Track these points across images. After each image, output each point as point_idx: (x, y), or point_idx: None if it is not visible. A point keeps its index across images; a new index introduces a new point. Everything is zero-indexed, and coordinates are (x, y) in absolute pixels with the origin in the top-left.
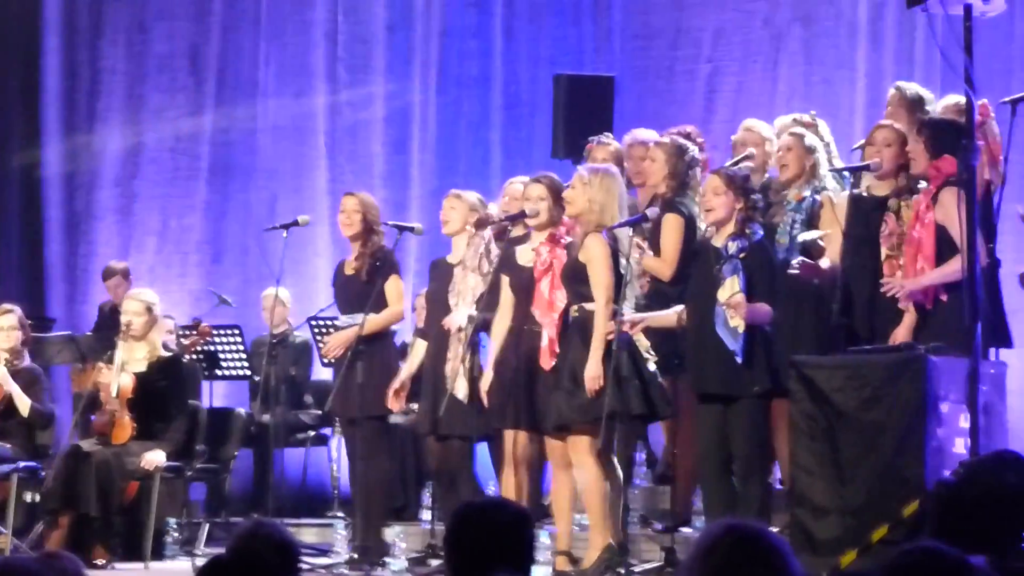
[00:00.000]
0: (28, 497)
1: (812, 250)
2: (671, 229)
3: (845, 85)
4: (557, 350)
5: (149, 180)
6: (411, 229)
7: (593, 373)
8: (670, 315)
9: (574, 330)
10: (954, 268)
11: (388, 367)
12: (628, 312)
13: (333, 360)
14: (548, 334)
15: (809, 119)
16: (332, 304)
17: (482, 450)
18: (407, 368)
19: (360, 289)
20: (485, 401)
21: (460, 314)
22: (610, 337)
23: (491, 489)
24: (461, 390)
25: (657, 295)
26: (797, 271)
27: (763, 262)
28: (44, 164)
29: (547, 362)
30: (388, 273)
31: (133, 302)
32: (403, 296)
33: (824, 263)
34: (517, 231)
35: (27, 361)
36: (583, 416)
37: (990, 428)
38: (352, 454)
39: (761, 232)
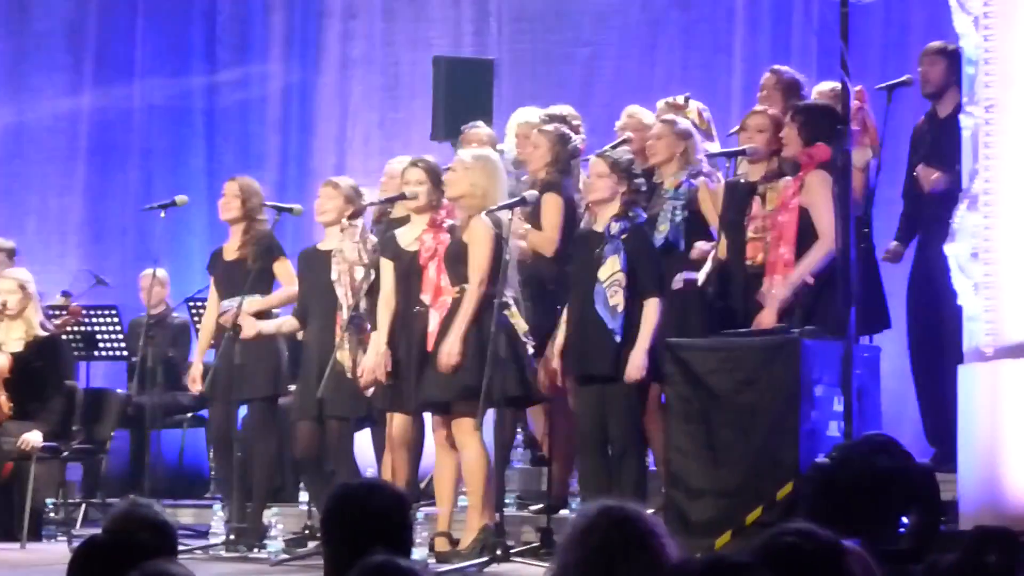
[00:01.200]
0: None
1: None
2: (551, 207)
3: (722, 70)
4: None
5: (28, 159)
6: (290, 210)
7: (450, 349)
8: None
9: (452, 312)
10: (816, 256)
11: (272, 348)
12: (511, 296)
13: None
14: (439, 316)
15: (681, 101)
16: (207, 287)
17: (361, 435)
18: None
19: (243, 274)
20: (363, 382)
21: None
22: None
23: (369, 472)
24: (345, 364)
25: (532, 283)
26: (680, 287)
27: (643, 244)
28: None
29: (433, 345)
30: (276, 255)
31: (6, 281)
32: (294, 276)
33: (704, 246)
34: (397, 212)
35: None
36: (456, 395)
37: (864, 412)
38: (224, 436)
39: (644, 216)
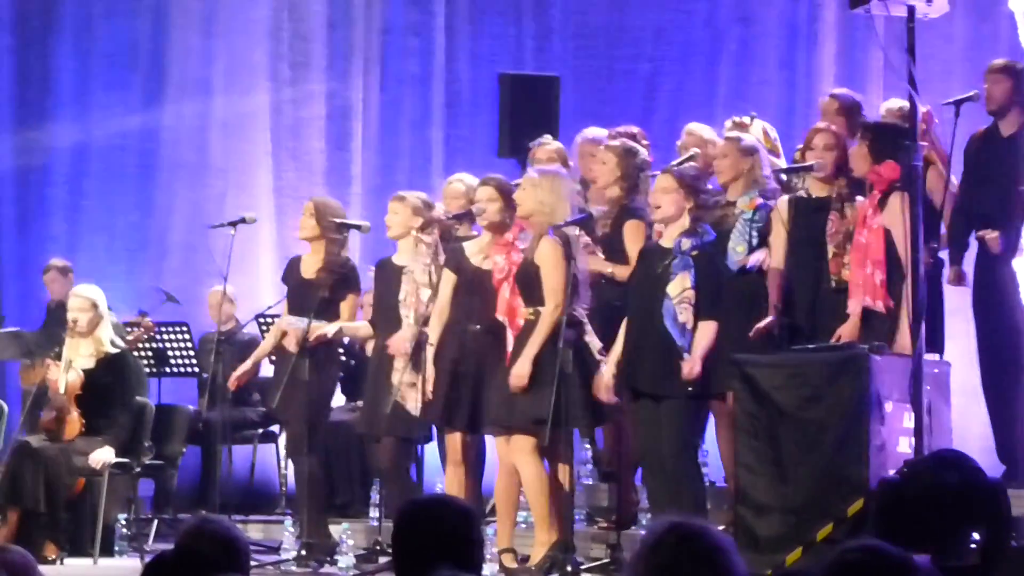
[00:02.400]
0: None
1: None
2: (633, 235)
3: (786, 86)
4: None
5: (97, 178)
6: (357, 227)
7: (519, 371)
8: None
9: (525, 334)
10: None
11: (334, 367)
12: (581, 313)
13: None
14: (514, 335)
15: (747, 121)
16: (280, 301)
17: (431, 449)
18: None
19: (316, 295)
20: (418, 409)
21: (406, 333)
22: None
23: (438, 487)
24: (411, 402)
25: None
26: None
27: (712, 265)
28: None
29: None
30: (347, 291)
31: (77, 299)
32: (355, 315)
33: (759, 256)
34: (463, 231)
35: None
36: (521, 418)
37: (933, 428)
38: (294, 452)
39: (713, 233)
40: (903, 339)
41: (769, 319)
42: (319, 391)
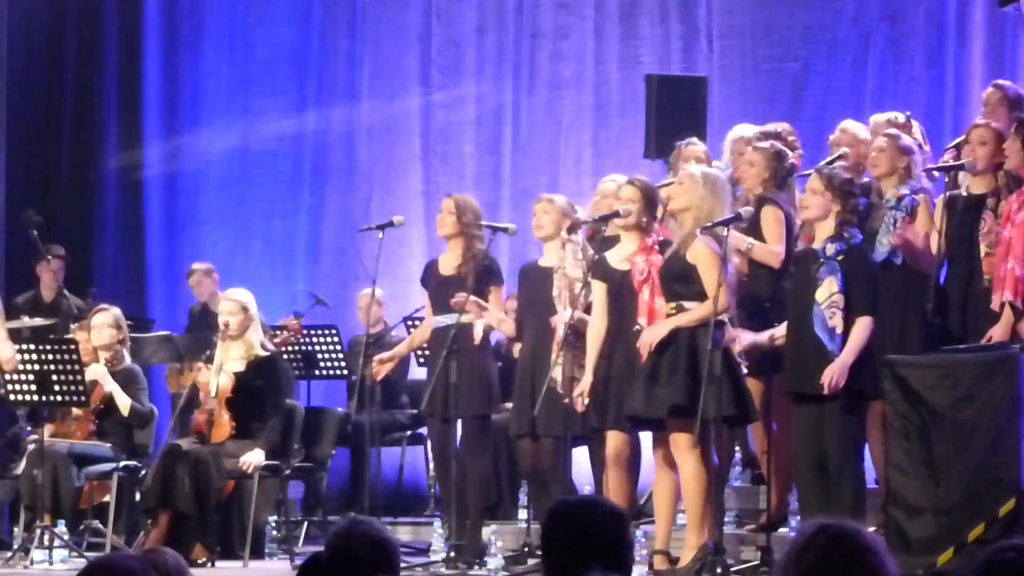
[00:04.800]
0: (136, 496)
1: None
2: (771, 219)
3: (935, 84)
4: None
5: (253, 182)
6: (504, 230)
7: (646, 339)
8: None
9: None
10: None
11: (484, 367)
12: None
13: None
14: None
15: (904, 120)
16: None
17: (579, 452)
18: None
19: (460, 290)
20: (579, 405)
21: (565, 314)
22: (736, 347)
23: (586, 490)
24: (558, 378)
25: (748, 301)
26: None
27: (861, 267)
28: (145, 166)
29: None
30: (493, 282)
31: (228, 302)
32: (502, 307)
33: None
34: (610, 231)
35: (127, 361)
36: (665, 411)
37: None
38: (442, 454)
39: (860, 236)
40: None
41: None
42: (471, 391)
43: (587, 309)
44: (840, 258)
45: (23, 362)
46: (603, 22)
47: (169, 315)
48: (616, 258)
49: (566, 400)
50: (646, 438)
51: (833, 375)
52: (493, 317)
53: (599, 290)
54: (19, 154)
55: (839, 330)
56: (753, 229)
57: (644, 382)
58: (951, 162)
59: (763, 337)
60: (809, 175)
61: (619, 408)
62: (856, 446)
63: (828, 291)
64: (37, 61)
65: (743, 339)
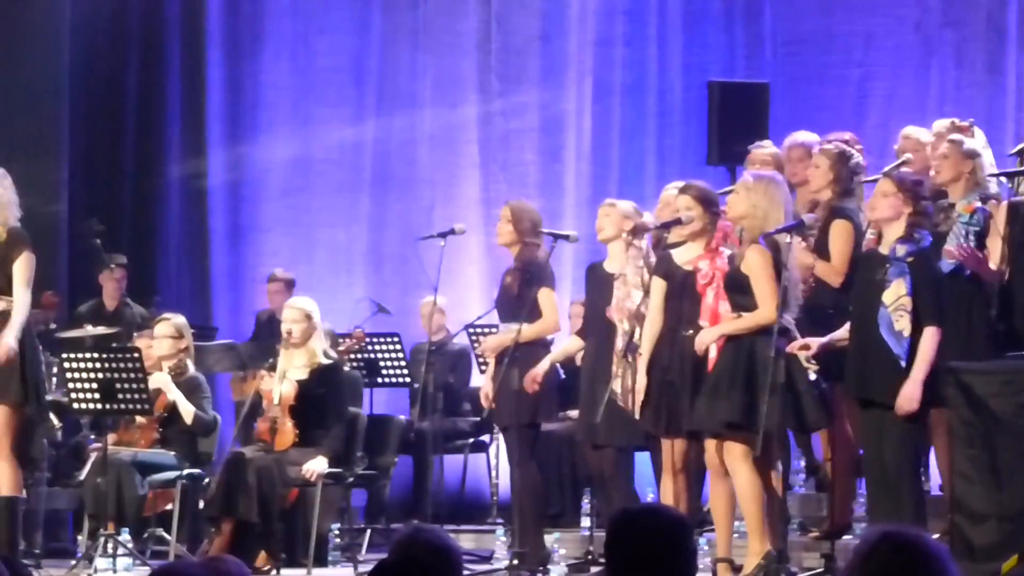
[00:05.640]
0: (200, 504)
1: None
2: (840, 235)
3: (995, 89)
4: None
5: (315, 191)
6: (566, 237)
7: (704, 338)
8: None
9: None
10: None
11: (544, 375)
12: (788, 321)
13: (484, 361)
14: (716, 345)
15: (967, 126)
16: (489, 311)
17: (642, 458)
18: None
19: (512, 300)
20: (637, 413)
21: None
22: (802, 353)
23: (649, 496)
24: (618, 390)
25: (813, 308)
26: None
27: (929, 269)
28: (208, 175)
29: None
30: (539, 285)
31: (292, 310)
32: (556, 308)
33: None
34: (673, 238)
35: (191, 370)
36: (723, 425)
37: None
38: (510, 460)
39: (930, 239)
40: None
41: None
42: (531, 398)
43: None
44: (910, 259)
45: (87, 370)
46: (666, 29)
47: (233, 323)
48: (682, 258)
49: (627, 408)
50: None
51: (908, 396)
52: (528, 332)
53: (658, 288)
54: (83, 164)
55: (906, 333)
56: (823, 237)
57: (706, 396)
58: (1014, 168)
59: (832, 338)
60: (875, 181)
61: (675, 415)
62: (917, 454)
63: (896, 293)
64: (100, 71)
65: (813, 344)
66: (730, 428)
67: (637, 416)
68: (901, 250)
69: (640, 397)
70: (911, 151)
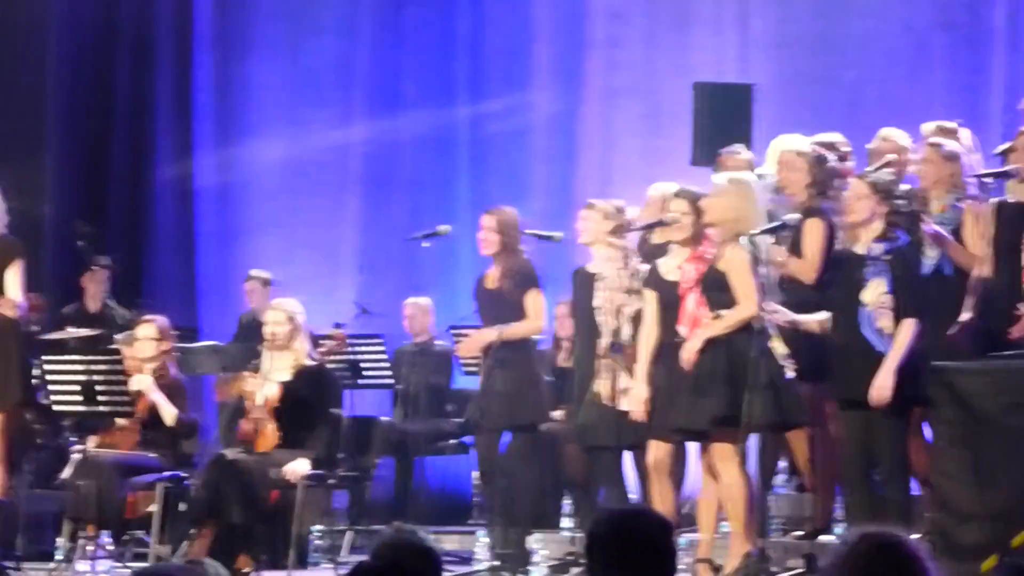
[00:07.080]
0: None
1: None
2: (813, 233)
3: (984, 91)
4: None
5: (301, 192)
6: (550, 238)
7: (691, 346)
8: (812, 321)
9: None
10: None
11: (532, 376)
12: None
13: (465, 360)
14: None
15: (953, 128)
16: (473, 313)
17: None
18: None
19: (503, 304)
20: (633, 415)
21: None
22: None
23: (633, 498)
24: (603, 392)
25: (786, 305)
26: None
27: (908, 265)
28: (196, 176)
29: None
30: (528, 286)
31: (275, 312)
32: (543, 311)
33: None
34: (657, 239)
35: (173, 372)
36: (707, 423)
37: None
38: (487, 462)
39: (907, 238)
40: None
41: (967, 316)
42: (516, 399)
43: (635, 318)
44: (888, 257)
45: (68, 372)
46: (656, 31)
47: (219, 325)
48: (667, 269)
49: (613, 409)
50: (692, 448)
51: (880, 385)
52: (509, 331)
53: (651, 300)
54: (70, 165)
55: (888, 331)
56: (797, 236)
57: (688, 394)
58: (998, 169)
59: (800, 319)
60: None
61: (660, 418)
62: (905, 453)
63: (876, 292)
64: (88, 72)
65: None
66: (716, 424)
67: (642, 418)
68: (878, 249)
69: (639, 405)
70: (890, 153)
